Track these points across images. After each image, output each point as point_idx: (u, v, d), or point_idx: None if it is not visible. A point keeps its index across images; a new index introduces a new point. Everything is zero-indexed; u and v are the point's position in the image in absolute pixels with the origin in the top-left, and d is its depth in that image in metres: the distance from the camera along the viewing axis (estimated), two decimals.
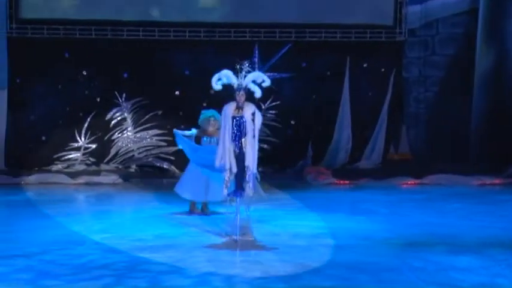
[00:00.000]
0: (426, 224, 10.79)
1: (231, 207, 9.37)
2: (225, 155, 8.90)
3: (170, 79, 18.47)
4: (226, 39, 18.55)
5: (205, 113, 11.58)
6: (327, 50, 18.74)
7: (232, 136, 8.87)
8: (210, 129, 11.29)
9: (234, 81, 9.01)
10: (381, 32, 18.93)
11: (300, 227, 10.43)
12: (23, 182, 16.38)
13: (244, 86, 8.98)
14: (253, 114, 8.90)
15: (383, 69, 19.04)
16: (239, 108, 8.92)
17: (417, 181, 16.41)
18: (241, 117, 8.88)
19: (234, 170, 8.88)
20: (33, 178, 16.56)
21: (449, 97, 18.48)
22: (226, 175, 9.00)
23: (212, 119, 11.39)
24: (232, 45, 18.33)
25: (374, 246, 9.12)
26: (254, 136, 8.88)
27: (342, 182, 16.63)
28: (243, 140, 8.83)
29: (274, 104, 18.24)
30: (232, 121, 8.89)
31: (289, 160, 18.32)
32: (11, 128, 18.28)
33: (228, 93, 9.26)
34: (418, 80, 19.44)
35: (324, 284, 7.25)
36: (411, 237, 9.69)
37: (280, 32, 18.65)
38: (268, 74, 18.83)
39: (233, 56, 18.57)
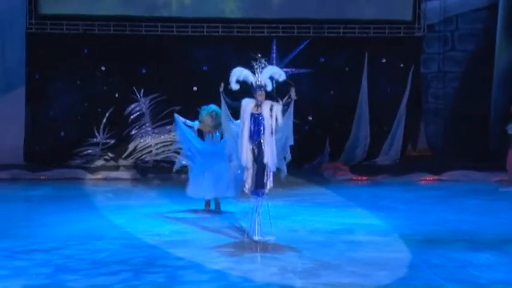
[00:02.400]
0: (444, 221, 10.76)
1: (244, 203, 9.40)
2: (243, 152, 8.87)
3: (188, 75, 18.48)
4: (244, 35, 18.51)
5: (207, 108, 11.57)
6: (345, 45, 18.67)
7: (250, 133, 8.83)
8: (211, 124, 11.29)
9: (252, 79, 8.93)
10: (400, 28, 18.83)
11: (318, 223, 10.43)
12: (42, 177, 16.48)
13: (263, 84, 8.93)
14: (271, 109, 8.86)
15: (401, 65, 18.94)
16: (258, 106, 8.88)
17: (435, 177, 16.34)
18: (260, 114, 8.84)
19: (250, 167, 8.84)
20: (51, 173, 16.64)
21: (468, 93, 18.37)
22: (245, 173, 8.98)
23: (214, 114, 11.40)
24: (250, 40, 18.31)
25: (392, 242, 9.10)
26: (272, 133, 8.82)
27: (359, 178, 16.59)
28: (261, 138, 8.78)
29: (291, 100, 18.19)
30: (251, 118, 8.84)
31: (307, 156, 18.25)
32: (30, 124, 18.37)
33: (243, 89, 9.22)
34: (436, 75, 19.33)
35: (342, 280, 7.24)
36: (429, 233, 9.67)
37: (298, 28, 18.60)
38: (286, 69, 18.89)
39: (251, 52, 18.70)
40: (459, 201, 13.02)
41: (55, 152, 18.03)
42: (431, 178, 16.33)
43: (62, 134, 18.52)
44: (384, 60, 18.87)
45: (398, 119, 18.78)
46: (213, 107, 11.49)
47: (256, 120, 8.81)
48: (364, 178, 16.57)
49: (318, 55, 18.57)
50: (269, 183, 8.91)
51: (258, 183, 8.88)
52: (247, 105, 8.92)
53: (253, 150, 8.82)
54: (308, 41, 18.38)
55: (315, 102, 18.55)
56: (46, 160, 17.66)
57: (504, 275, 7.46)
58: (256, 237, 8.87)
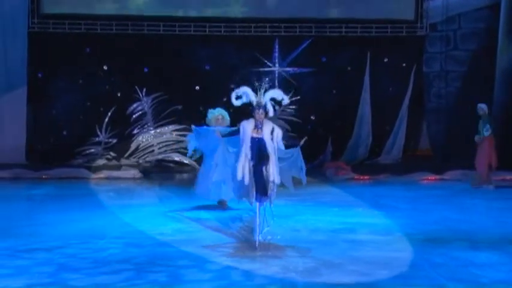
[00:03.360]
0: (446, 220, 10.76)
1: (244, 204, 9.36)
2: (239, 168, 8.60)
3: (190, 74, 18.51)
4: (246, 34, 18.53)
5: (213, 112, 11.56)
6: (347, 44, 18.69)
7: (251, 155, 8.58)
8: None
9: (253, 98, 8.65)
10: (402, 27, 18.85)
11: (320, 222, 10.43)
12: (44, 176, 16.49)
13: (263, 104, 8.62)
14: (272, 132, 8.62)
15: (404, 64, 18.96)
16: (258, 128, 8.59)
17: (437, 177, 16.34)
18: (261, 139, 8.58)
19: (246, 181, 8.58)
20: (54, 172, 16.65)
21: (470, 92, 18.35)
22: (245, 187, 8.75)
23: (220, 117, 11.39)
24: (252, 40, 18.34)
25: (394, 241, 9.11)
26: (275, 153, 8.63)
27: (361, 177, 16.59)
28: (267, 164, 8.55)
29: (294, 99, 18.21)
30: (252, 142, 8.60)
31: (309, 155, 18.20)
32: (32, 123, 18.41)
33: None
34: (439, 75, 19.33)
35: (344, 279, 7.25)
36: (431, 233, 9.67)
37: (301, 27, 18.62)
38: (288, 68, 18.91)
39: (253, 51, 18.73)
40: (461, 201, 13.02)
41: (57, 151, 18.07)
42: (433, 177, 16.33)
43: (64, 133, 18.58)
44: (386, 60, 18.89)
45: (400, 118, 18.80)
46: (219, 110, 11.49)
47: (257, 144, 8.57)
48: (366, 177, 16.58)
49: (320, 54, 18.60)
50: (273, 196, 8.76)
51: (261, 192, 8.66)
52: (247, 126, 8.64)
53: (255, 171, 8.61)
54: (310, 40, 18.40)
55: (317, 101, 18.59)
56: (48, 159, 17.69)
57: (506, 274, 7.46)
58: (257, 238, 8.78)
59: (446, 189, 14.60)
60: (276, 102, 8.93)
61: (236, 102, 8.76)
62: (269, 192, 8.61)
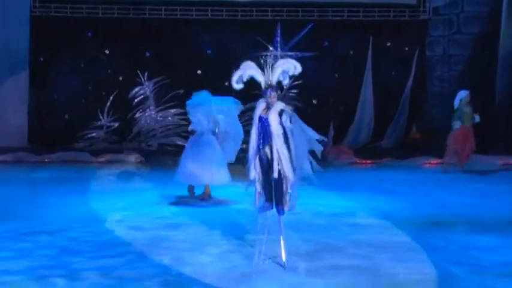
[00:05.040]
0: (448, 204, 10.77)
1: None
2: (251, 162, 7.48)
3: (192, 58, 18.48)
4: (248, 19, 18.48)
5: (199, 95, 11.42)
6: (349, 29, 18.64)
7: (258, 138, 7.46)
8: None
9: (260, 78, 7.50)
10: (405, 11, 18.78)
11: (321, 206, 10.43)
12: (46, 160, 16.52)
13: (274, 85, 7.49)
14: (281, 114, 7.38)
15: (406, 48, 18.92)
16: (268, 108, 7.46)
17: (440, 160, 16.30)
18: (267, 118, 7.41)
19: (252, 177, 7.45)
20: (56, 156, 16.68)
21: (473, 76, 18.30)
22: (255, 187, 7.56)
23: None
24: (254, 24, 18.29)
25: (396, 225, 9.10)
26: (285, 140, 7.38)
27: (363, 161, 16.60)
28: (271, 146, 7.35)
29: (296, 83, 18.15)
30: (259, 122, 7.46)
31: None
32: (34, 107, 18.42)
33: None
34: (442, 58, 19.25)
35: (345, 262, 7.26)
36: (433, 216, 9.67)
37: (303, 11, 18.56)
38: (291, 53, 18.79)
39: (255, 35, 18.64)
40: (463, 185, 13.01)
41: (59, 134, 18.08)
42: (436, 161, 16.30)
43: (66, 117, 18.60)
44: (388, 44, 18.85)
45: (403, 102, 18.78)
46: (205, 94, 11.37)
47: (263, 124, 7.42)
48: (368, 161, 16.59)
49: (323, 39, 18.56)
50: (285, 202, 7.49)
51: (267, 198, 7.47)
52: (258, 106, 7.53)
53: (261, 159, 7.43)
54: (312, 24, 18.34)
55: (319, 85, 18.54)
56: (50, 143, 17.70)
57: (507, 257, 7.47)
58: (261, 260, 7.35)
59: (448, 173, 14.57)
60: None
61: (237, 86, 7.72)
62: (283, 189, 7.42)
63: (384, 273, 6.92)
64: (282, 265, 7.11)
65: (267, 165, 7.41)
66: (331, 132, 18.56)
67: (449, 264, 7.15)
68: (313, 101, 18.87)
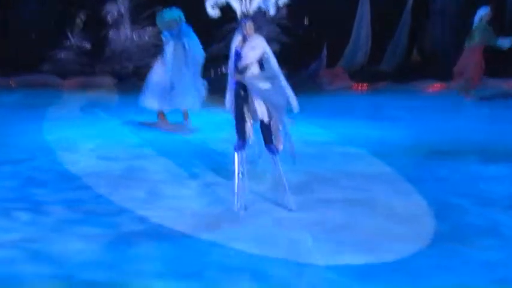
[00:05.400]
0: (452, 131, 10.70)
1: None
2: (228, 93, 7.29)
3: None
4: None
5: (171, 13, 11.21)
6: None
7: (233, 72, 7.18)
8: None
9: (236, 5, 7.28)
10: None
11: (312, 135, 10.33)
12: (11, 83, 16.31)
13: (251, 15, 7.28)
14: (256, 47, 7.01)
15: None
16: (245, 40, 7.10)
17: (443, 84, 16.23)
18: (239, 52, 7.10)
19: (232, 112, 7.19)
20: (22, 79, 16.48)
21: None
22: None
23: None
24: None
25: (394, 154, 9.04)
26: (274, 75, 7.04)
27: (360, 85, 16.49)
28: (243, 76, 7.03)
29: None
30: (235, 54, 7.15)
31: (302, 62, 18.10)
32: None
33: None
34: None
35: (337, 195, 7.18)
36: (436, 144, 9.62)
37: None
38: None
39: None
40: (468, 110, 12.97)
41: (25, 56, 17.81)
42: (439, 85, 16.22)
43: (33, 36, 18.31)
44: None
45: (403, 20, 18.55)
46: (174, 12, 11.21)
47: (239, 57, 7.09)
48: (364, 85, 16.48)
49: None
50: (277, 140, 7.28)
51: (239, 136, 7.25)
52: (234, 39, 7.21)
53: (239, 94, 7.11)
54: None
55: (311, 2, 18.25)
56: (16, 65, 17.46)
57: None
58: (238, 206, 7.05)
59: (452, 98, 14.49)
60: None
61: (213, 12, 7.56)
62: (275, 136, 7.23)
63: (379, 205, 6.84)
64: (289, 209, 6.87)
65: (240, 102, 7.13)
66: (325, 54, 18.39)
67: (453, 196, 7.10)
68: (304, 20, 18.64)
